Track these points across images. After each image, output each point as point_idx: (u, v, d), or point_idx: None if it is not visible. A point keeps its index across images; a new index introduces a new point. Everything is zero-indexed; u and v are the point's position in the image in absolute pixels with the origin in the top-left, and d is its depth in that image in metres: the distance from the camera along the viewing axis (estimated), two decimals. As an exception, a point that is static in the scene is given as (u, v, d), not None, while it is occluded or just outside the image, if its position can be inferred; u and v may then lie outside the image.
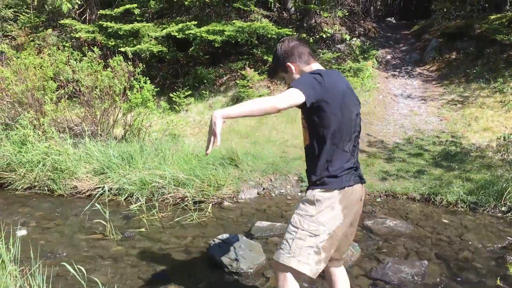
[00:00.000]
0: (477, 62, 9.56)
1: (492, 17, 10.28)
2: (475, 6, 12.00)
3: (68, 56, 7.59)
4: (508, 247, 4.05)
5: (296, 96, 2.18)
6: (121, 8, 9.89)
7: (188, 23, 9.01)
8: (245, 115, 2.19)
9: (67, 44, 8.42)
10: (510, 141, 6.24)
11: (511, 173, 5.27)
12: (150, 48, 9.18)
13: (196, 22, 9.15)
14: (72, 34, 10.26)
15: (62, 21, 10.50)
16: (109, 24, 9.56)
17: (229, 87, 9.82)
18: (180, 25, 9.03)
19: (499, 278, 2.94)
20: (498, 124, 7.19)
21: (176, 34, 9.01)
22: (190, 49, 9.63)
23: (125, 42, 9.48)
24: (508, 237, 4.21)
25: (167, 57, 9.98)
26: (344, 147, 2.36)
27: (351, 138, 2.38)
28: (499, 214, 4.80)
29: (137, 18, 10.23)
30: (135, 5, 9.93)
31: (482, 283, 3.42)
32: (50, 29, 11.07)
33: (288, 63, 2.48)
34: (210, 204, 5.21)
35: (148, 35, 9.68)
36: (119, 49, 8.99)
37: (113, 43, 9.52)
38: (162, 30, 9.41)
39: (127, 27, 9.41)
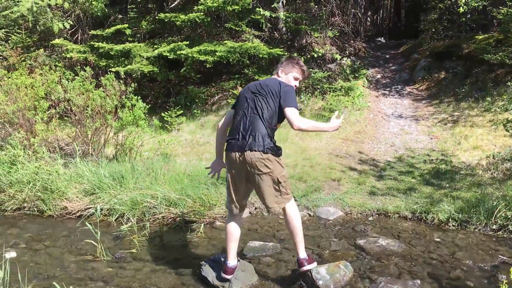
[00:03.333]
0: (466, 81, 9.71)
1: (480, 37, 10.48)
2: (463, 27, 12.24)
3: (60, 76, 7.59)
4: (499, 265, 4.05)
5: None
6: (112, 29, 9.96)
7: (179, 43, 9.08)
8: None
9: (59, 64, 8.44)
10: (499, 159, 6.30)
11: (501, 191, 5.30)
12: (141, 69, 9.21)
13: (187, 42, 9.21)
14: (63, 54, 10.29)
15: (53, 41, 10.54)
16: (100, 44, 9.60)
17: (220, 106, 9.86)
18: (171, 45, 9.09)
19: (491, 297, 2.94)
20: (488, 142, 7.26)
21: (168, 54, 9.07)
22: (182, 69, 9.68)
23: (116, 62, 9.53)
24: (500, 256, 4.21)
25: (159, 78, 10.02)
26: (234, 123, 3.59)
27: (238, 116, 3.56)
28: (490, 232, 4.82)
29: (129, 38, 10.30)
30: (126, 25, 10.01)
31: (474, 302, 3.42)
32: (42, 49, 11.10)
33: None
34: (202, 224, 5.18)
35: (140, 55, 9.73)
36: (110, 69, 9.01)
37: (104, 63, 9.55)
38: (153, 50, 9.46)
39: (119, 47, 9.46)
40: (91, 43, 9.98)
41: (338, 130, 3.77)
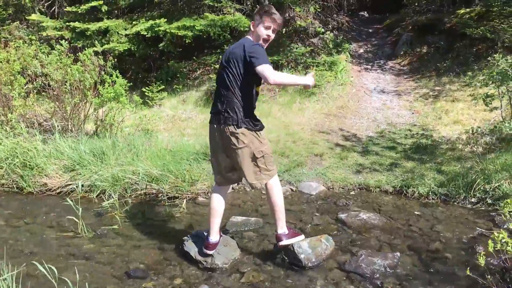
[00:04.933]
0: (448, 56, 9.75)
1: (462, 11, 10.48)
2: (445, 1, 12.22)
3: (36, 50, 7.38)
4: (477, 237, 4.13)
5: None
6: (87, 5, 9.62)
7: (157, 20, 8.87)
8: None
9: (33, 37, 8.20)
10: (479, 134, 6.38)
11: (480, 165, 5.38)
12: (116, 47, 8.98)
13: (165, 20, 9.00)
14: (40, 33, 9.94)
15: (29, 17, 10.22)
16: (76, 24, 9.30)
17: (202, 81, 9.76)
18: (149, 23, 8.88)
19: (468, 268, 3.00)
20: (468, 117, 7.34)
21: (145, 32, 8.87)
22: (161, 44, 9.48)
23: (94, 42, 9.26)
24: (478, 228, 4.30)
25: (137, 54, 9.78)
26: (213, 99, 3.60)
27: (216, 92, 3.56)
28: (468, 206, 4.90)
29: (105, 15, 10.01)
30: (101, 2, 9.65)
31: (453, 273, 3.49)
32: (17, 22, 10.77)
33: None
34: (185, 200, 5.16)
35: (118, 33, 9.48)
36: (87, 49, 8.79)
37: (81, 44, 9.29)
38: (132, 28, 9.23)
39: (95, 26, 9.18)
40: (67, 23, 9.64)
41: (312, 87, 3.63)
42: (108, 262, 3.82)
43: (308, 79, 3.50)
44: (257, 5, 10.93)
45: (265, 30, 3.49)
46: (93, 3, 9.63)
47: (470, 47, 9.47)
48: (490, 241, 2.72)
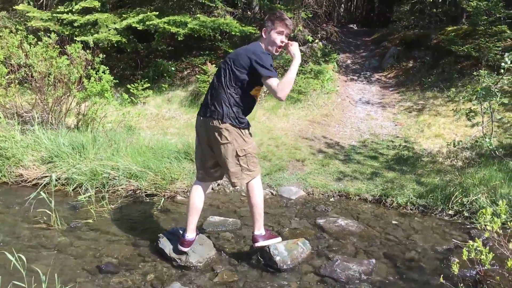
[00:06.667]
0: (433, 71, 9.87)
1: (449, 28, 10.64)
2: (433, 18, 12.40)
3: (21, 40, 7.26)
4: (453, 249, 4.15)
5: None
6: (81, 5, 9.49)
7: (149, 13, 8.81)
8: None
9: (20, 27, 8.08)
10: (459, 148, 6.45)
11: (459, 178, 5.43)
12: (108, 38, 8.89)
13: (157, 13, 8.95)
14: (27, 23, 9.79)
15: (16, 7, 10.06)
16: (64, 16, 9.18)
17: (189, 82, 9.71)
18: (140, 16, 8.82)
19: (442, 276, 3.00)
20: (449, 131, 7.42)
21: (137, 25, 8.80)
22: (153, 42, 9.42)
23: (83, 31, 9.14)
24: (453, 240, 4.32)
25: (127, 48, 9.70)
26: (206, 92, 3.59)
27: (210, 85, 3.56)
28: (446, 218, 4.93)
29: (97, 10, 9.90)
30: (97, 2, 9.54)
31: (426, 282, 3.50)
32: (5, 12, 10.60)
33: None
34: (163, 198, 5.11)
35: (107, 26, 9.38)
36: (75, 38, 8.67)
37: (68, 32, 9.15)
38: (122, 21, 9.15)
39: (83, 19, 9.07)
40: (55, 15, 9.49)
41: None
42: (79, 255, 3.75)
43: (297, 56, 3.48)
44: (248, 10, 10.98)
45: (278, 36, 3.47)
46: (86, 4, 9.51)
47: (455, 63, 9.60)
48: (464, 250, 2.72)
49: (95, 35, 8.85)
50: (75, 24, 9.09)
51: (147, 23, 8.70)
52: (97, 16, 9.24)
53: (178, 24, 8.71)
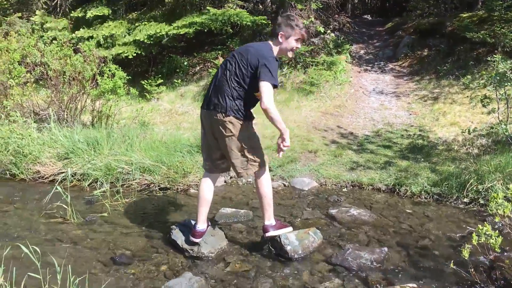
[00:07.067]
0: (448, 59, 9.72)
1: (464, 15, 10.46)
2: (449, 5, 12.21)
3: (37, 39, 7.40)
4: (467, 236, 4.10)
5: None
6: (93, 13, 9.66)
7: (156, 29, 8.88)
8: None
9: (36, 27, 8.23)
10: (475, 135, 6.35)
11: (474, 166, 5.35)
12: (125, 54, 9.00)
13: (165, 22, 9.02)
14: (44, 34, 9.88)
15: (32, 18, 10.26)
16: (80, 33, 9.35)
17: (202, 77, 9.75)
18: (150, 31, 8.91)
19: (452, 261, 2.98)
20: (465, 119, 7.32)
21: (146, 40, 8.90)
22: (164, 41, 9.50)
23: (100, 46, 9.26)
24: (468, 227, 4.27)
25: (143, 53, 9.80)
26: (209, 84, 3.59)
27: (213, 77, 3.55)
28: (461, 206, 4.87)
29: (109, 17, 10.04)
30: (107, 10, 9.68)
31: (439, 269, 3.47)
32: (20, 13, 10.77)
33: None
34: (176, 191, 5.16)
35: (122, 38, 9.52)
36: (98, 53, 8.82)
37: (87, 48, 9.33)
38: (132, 35, 9.26)
39: (101, 33, 9.23)
40: (74, 34, 9.63)
41: (284, 142, 3.47)
42: (94, 247, 3.82)
43: (287, 131, 3.43)
44: (260, 4, 10.95)
45: (296, 43, 3.52)
46: (98, 13, 9.66)
47: (470, 51, 9.44)
48: (474, 234, 2.70)
49: (113, 50, 8.97)
50: (94, 42, 9.25)
51: (157, 36, 8.79)
52: (112, 25, 9.36)
53: (186, 26, 8.77)
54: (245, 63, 3.37)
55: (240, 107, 3.41)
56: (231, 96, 3.38)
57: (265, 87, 3.24)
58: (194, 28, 8.78)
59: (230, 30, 9.55)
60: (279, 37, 3.49)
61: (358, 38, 12.75)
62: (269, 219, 3.69)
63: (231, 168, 3.67)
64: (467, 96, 7.84)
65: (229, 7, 9.46)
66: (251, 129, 3.53)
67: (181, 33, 8.85)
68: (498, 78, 5.49)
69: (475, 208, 4.77)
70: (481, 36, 8.69)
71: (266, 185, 3.63)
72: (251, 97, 3.48)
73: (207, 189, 3.69)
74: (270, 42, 3.54)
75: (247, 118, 3.48)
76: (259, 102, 3.34)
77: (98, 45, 9.36)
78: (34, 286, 3.05)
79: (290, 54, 3.59)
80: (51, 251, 3.64)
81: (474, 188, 4.90)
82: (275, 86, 3.31)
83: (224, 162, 3.71)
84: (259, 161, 3.58)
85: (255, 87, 3.36)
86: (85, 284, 3.03)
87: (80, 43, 7.24)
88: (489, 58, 6.63)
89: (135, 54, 9.15)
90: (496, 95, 5.96)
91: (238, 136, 3.42)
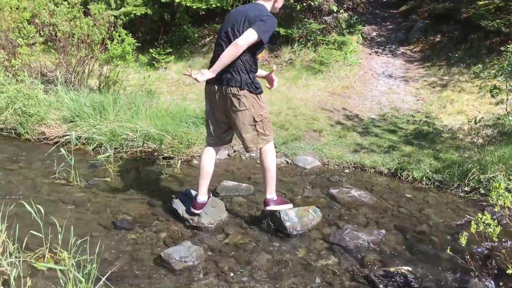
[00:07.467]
0: (460, 46, 9.59)
1: (480, 2, 10.26)
2: (465, -9, 11.97)
3: (47, -1, 7.32)
4: (465, 224, 4.13)
5: None
6: None
7: None
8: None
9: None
10: (481, 125, 6.33)
11: (478, 155, 5.35)
12: (134, 11, 8.88)
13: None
14: None
15: None
16: None
17: (211, 48, 9.65)
18: None
19: (449, 248, 3.02)
20: (473, 108, 7.27)
21: None
22: (177, 16, 9.41)
23: (109, 3, 9.10)
24: (467, 215, 4.30)
25: (154, 17, 9.66)
26: (214, 54, 3.49)
27: (218, 46, 3.43)
28: (461, 194, 4.89)
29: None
30: None
31: (436, 255, 3.51)
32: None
33: None
34: (179, 161, 5.18)
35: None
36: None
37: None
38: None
39: None
40: None
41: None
42: (96, 211, 3.87)
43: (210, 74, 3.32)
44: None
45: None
46: None
47: (484, 39, 9.30)
48: (472, 222, 2.72)
49: (122, 9, 8.85)
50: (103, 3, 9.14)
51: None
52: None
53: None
54: (248, 26, 3.32)
55: (254, 79, 3.43)
56: (244, 70, 3.37)
57: (250, 33, 3.22)
58: (207, 5, 8.66)
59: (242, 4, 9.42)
60: None
61: (371, 19, 12.56)
62: (271, 193, 3.72)
63: (241, 142, 3.68)
64: (476, 85, 7.76)
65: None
66: (263, 103, 3.54)
67: (194, 7, 8.73)
68: (510, 68, 5.42)
69: (475, 197, 4.78)
70: (496, 25, 8.54)
71: (271, 159, 3.65)
72: (256, 63, 3.53)
73: (208, 162, 3.71)
74: (262, 2, 3.51)
75: (260, 91, 3.49)
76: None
77: (108, 5, 9.19)
78: (36, 244, 3.11)
79: (279, 8, 3.61)
80: (53, 211, 3.68)
81: (476, 178, 4.91)
82: (261, 43, 3.34)
83: (228, 135, 3.74)
84: (269, 135, 3.60)
85: (260, 49, 3.45)
86: (86, 245, 3.08)
87: (89, 4, 7.16)
88: (502, 48, 6.53)
89: (143, 12, 9.01)
90: (506, 86, 5.90)
91: (251, 110, 3.44)
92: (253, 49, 3.39)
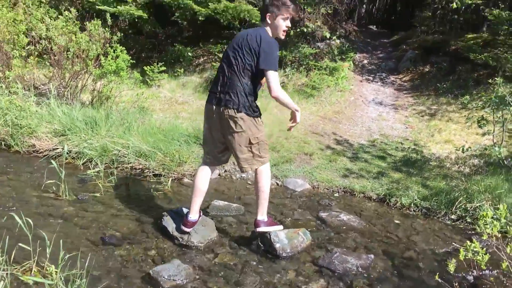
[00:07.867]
0: (449, 77, 9.83)
1: (469, 36, 10.56)
2: (454, 24, 12.31)
3: (44, 13, 7.37)
4: (452, 252, 4.17)
5: None
6: None
7: None
8: None
9: (44, 0, 8.19)
10: (468, 155, 6.44)
11: (465, 184, 5.43)
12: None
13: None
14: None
15: None
16: None
17: (204, 69, 9.77)
18: None
19: (437, 274, 3.04)
20: (460, 138, 7.41)
21: None
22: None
23: (105, 1, 9.15)
24: (453, 243, 4.34)
25: (146, 27, 9.72)
26: (216, 76, 3.60)
27: (220, 69, 3.53)
28: (448, 222, 4.94)
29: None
30: None
31: (422, 281, 3.53)
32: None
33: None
34: (170, 179, 5.18)
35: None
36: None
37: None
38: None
39: None
40: None
41: (295, 121, 3.69)
42: (85, 226, 3.84)
43: (298, 110, 3.63)
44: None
45: (284, 22, 3.52)
46: None
47: (471, 71, 9.55)
48: (461, 250, 2.76)
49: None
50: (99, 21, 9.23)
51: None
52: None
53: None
54: (249, 51, 3.40)
55: (252, 103, 3.47)
56: (243, 93, 3.42)
57: (271, 76, 3.35)
58: (206, 9, 8.72)
59: (238, 25, 9.57)
60: (267, 18, 3.52)
61: (363, 47, 12.84)
62: (262, 214, 3.74)
63: (236, 162, 3.70)
64: (464, 116, 7.93)
65: (239, 2, 9.47)
66: (260, 126, 3.58)
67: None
68: (497, 100, 5.57)
69: (461, 226, 4.84)
70: (483, 58, 8.79)
71: (266, 180, 3.68)
72: (257, 87, 3.56)
73: (203, 180, 3.72)
74: (264, 26, 3.56)
75: (257, 114, 3.54)
76: (266, 90, 3.44)
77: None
78: (23, 258, 3.07)
79: (282, 36, 3.57)
80: (42, 225, 3.65)
81: (463, 206, 4.97)
82: (275, 70, 3.41)
83: (224, 155, 3.77)
84: (265, 157, 3.63)
85: (262, 75, 3.46)
86: (73, 260, 3.05)
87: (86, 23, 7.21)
88: (489, 81, 6.72)
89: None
90: (493, 117, 6.04)
91: (248, 132, 3.47)
92: (255, 74, 3.45)
